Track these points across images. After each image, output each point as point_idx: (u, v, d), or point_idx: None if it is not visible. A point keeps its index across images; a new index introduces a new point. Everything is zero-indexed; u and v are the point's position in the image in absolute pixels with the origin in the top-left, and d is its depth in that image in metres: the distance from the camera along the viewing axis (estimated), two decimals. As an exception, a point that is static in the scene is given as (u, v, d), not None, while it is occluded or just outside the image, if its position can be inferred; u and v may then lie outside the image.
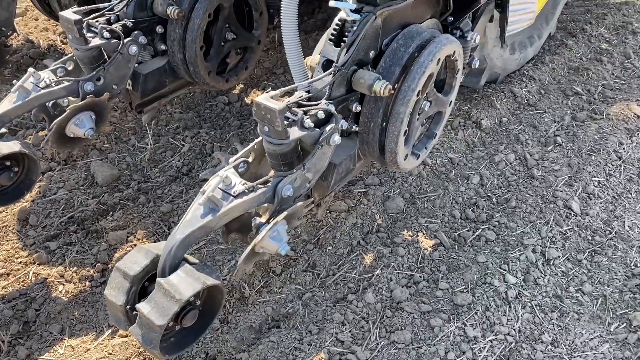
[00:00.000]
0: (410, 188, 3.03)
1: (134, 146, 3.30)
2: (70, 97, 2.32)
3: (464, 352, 2.23)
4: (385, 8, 1.93)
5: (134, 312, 1.61)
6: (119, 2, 2.44)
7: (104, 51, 2.41)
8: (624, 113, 3.74)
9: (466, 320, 2.35)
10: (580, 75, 4.01)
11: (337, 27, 1.98)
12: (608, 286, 2.55)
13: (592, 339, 2.31)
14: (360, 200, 2.91)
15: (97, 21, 2.38)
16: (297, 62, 2.09)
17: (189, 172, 3.16)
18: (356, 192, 2.95)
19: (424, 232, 2.78)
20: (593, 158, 3.31)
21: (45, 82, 2.29)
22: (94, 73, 2.35)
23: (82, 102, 2.28)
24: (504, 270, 2.57)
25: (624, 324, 2.37)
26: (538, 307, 2.44)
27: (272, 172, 1.85)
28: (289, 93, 1.92)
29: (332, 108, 1.84)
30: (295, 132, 1.77)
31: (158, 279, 1.61)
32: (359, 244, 2.71)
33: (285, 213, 1.74)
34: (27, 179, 2.29)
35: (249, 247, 1.70)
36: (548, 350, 2.26)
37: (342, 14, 1.97)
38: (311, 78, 1.97)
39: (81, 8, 2.38)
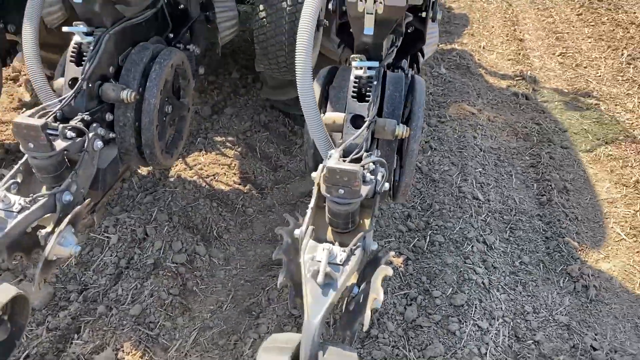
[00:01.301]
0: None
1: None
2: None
3: (487, 343, 2.54)
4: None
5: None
6: (66, 97, 2.10)
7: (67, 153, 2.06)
8: (462, 113, 4.53)
9: (473, 316, 2.67)
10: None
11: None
12: (537, 252, 3.14)
13: (555, 296, 2.84)
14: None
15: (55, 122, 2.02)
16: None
17: (129, 264, 2.82)
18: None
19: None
20: (465, 153, 3.96)
21: (18, 205, 1.87)
22: (69, 180, 1.99)
23: (68, 218, 1.92)
24: (470, 264, 2.97)
25: (567, 278, 2.97)
26: (507, 287, 2.89)
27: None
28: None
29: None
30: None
31: None
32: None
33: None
34: (17, 325, 1.83)
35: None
36: (535, 318, 2.71)
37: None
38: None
39: (28, 112, 2.00)
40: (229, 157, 3.76)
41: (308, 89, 1.97)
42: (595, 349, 2.52)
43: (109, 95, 2.24)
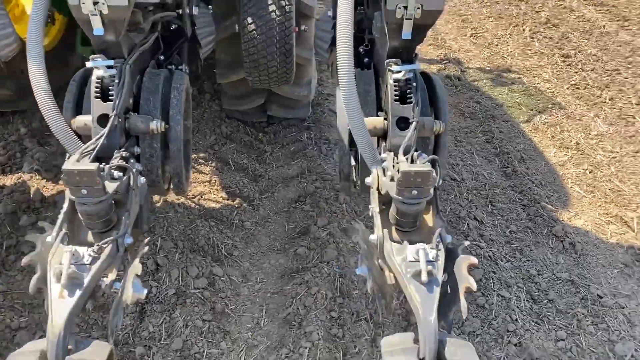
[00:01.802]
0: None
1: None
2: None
3: (513, 310, 2.77)
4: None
5: None
6: (101, 136, 1.97)
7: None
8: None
9: (493, 287, 2.89)
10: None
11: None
12: (521, 220, 3.45)
13: (550, 257, 3.16)
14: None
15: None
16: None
17: (150, 299, 2.71)
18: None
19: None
20: (428, 139, 4.19)
21: (88, 256, 1.75)
22: (126, 222, 1.89)
23: (138, 261, 1.83)
24: (472, 240, 3.19)
25: (553, 238, 3.30)
26: (508, 256, 3.15)
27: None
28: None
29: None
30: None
31: None
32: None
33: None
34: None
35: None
36: (542, 279, 3.00)
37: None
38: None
39: (71, 158, 1.87)
40: (207, 174, 3.68)
41: (352, 96, 2.02)
42: (601, 297, 2.85)
43: (138, 127, 2.14)
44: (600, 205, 3.61)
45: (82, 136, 2.10)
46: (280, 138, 4.18)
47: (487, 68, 5.66)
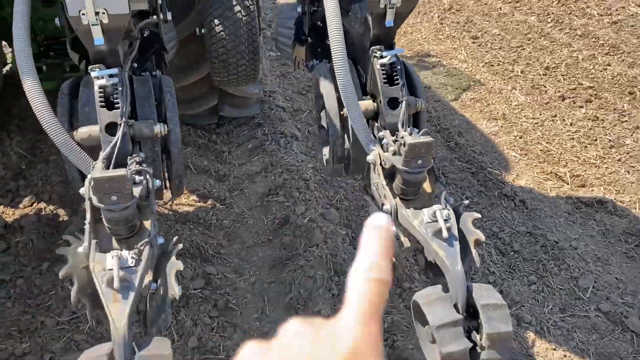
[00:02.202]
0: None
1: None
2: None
3: (489, 263, 3.08)
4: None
5: None
6: (115, 143, 1.99)
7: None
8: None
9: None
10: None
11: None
12: (474, 186, 3.80)
13: (506, 214, 3.52)
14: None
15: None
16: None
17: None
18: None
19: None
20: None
21: (131, 259, 1.78)
22: (154, 223, 1.93)
23: (175, 258, 1.89)
24: (438, 209, 3.47)
25: (505, 198, 3.67)
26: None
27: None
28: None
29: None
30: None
31: None
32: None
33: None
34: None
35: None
36: (504, 234, 3.35)
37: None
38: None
39: (97, 167, 1.88)
40: (172, 179, 3.68)
41: (348, 83, 2.20)
42: (557, 242, 3.24)
43: (143, 133, 2.17)
44: (535, 165, 4.05)
45: (85, 148, 2.10)
46: (235, 137, 4.25)
47: (409, 55, 6.04)
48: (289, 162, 3.88)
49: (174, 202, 3.48)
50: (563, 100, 4.85)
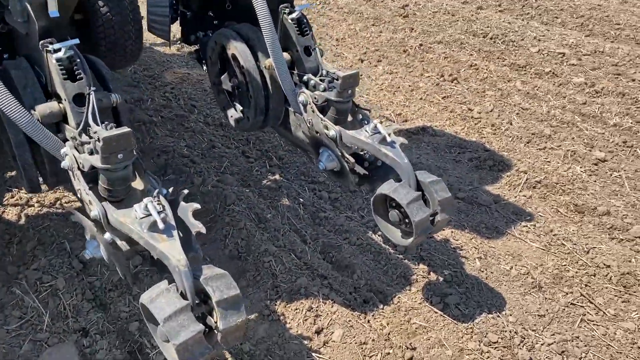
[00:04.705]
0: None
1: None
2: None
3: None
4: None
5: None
6: (87, 111, 2.02)
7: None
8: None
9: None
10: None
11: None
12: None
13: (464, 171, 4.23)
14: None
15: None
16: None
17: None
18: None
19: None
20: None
21: (157, 204, 1.90)
22: (154, 177, 2.05)
23: (185, 202, 2.04)
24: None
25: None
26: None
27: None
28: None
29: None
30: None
31: None
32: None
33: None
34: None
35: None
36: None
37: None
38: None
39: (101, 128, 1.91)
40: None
41: (274, 36, 2.57)
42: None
43: (103, 103, 2.20)
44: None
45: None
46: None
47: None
48: (160, 145, 3.96)
49: (59, 202, 3.32)
50: (362, 62, 5.82)
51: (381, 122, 2.59)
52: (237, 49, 2.82)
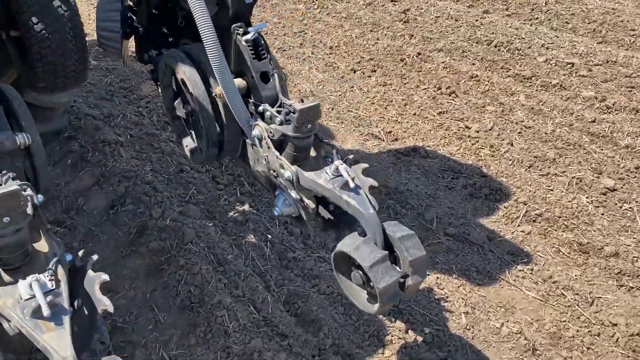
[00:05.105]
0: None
1: None
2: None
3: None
4: None
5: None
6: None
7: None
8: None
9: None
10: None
11: None
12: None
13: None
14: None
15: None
16: None
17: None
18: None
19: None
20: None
21: (49, 281, 1.55)
22: (59, 240, 1.68)
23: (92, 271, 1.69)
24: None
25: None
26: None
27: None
28: None
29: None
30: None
31: None
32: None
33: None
34: None
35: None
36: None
37: None
38: None
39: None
40: None
41: (222, 61, 2.20)
42: (396, 188, 3.67)
43: (4, 146, 1.87)
44: (353, 130, 4.48)
45: None
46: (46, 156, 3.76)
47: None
48: (123, 169, 3.61)
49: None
50: (354, 72, 5.42)
51: (345, 161, 2.20)
52: (186, 74, 2.46)
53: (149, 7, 2.68)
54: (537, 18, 6.79)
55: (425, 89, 5.10)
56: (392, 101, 4.89)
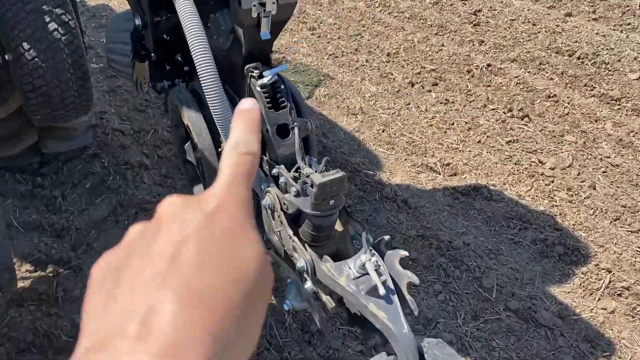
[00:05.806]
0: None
1: None
2: None
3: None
4: None
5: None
6: None
7: None
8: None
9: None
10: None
11: None
12: (352, 191, 3.56)
13: (392, 218, 3.33)
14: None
15: None
16: None
17: None
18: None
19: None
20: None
21: None
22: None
23: None
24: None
25: (387, 201, 3.48)
26: (359, 229, 3.22)
27: None
28: None
29: None
30: None
31: None
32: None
33: None
34: None
35: None
36: (398, 240, 3.16)
37: None
38: None
39: None
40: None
41: (226, 113, 1.75)
42: (450, 242, 3.12)
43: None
44: (405, 159, 3.94)
45: None
46: (66, 176, 3.46)
47: (248, 52, 5.61)
48: (143, 200, 3.25)
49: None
50: (412, 86, 4.84)
51: (372, 254, 1.69)
52: (191, 120, 2.02)
53: (157, 31, 2.25)
54: (629, 23, 5.94)
55: (493, 109, 4.46)
56: (453, 124, 4.29)
